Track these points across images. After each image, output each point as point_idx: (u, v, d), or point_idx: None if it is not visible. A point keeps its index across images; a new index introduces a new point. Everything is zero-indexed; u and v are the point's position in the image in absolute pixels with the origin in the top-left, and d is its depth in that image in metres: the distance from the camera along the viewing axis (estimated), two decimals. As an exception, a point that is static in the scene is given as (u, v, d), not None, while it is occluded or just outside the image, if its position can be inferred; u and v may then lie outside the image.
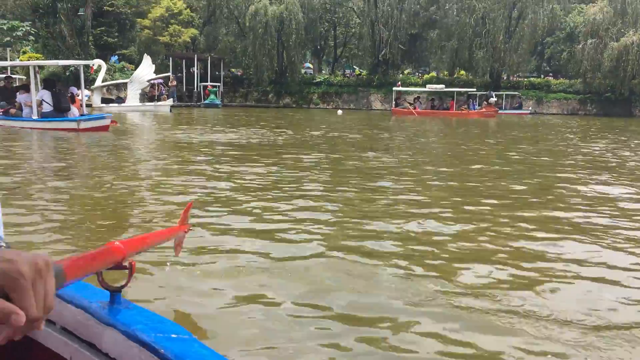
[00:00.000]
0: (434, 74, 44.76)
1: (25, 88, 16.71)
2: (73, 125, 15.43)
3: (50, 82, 16.49)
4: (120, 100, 31.82)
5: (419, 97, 37.75)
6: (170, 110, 29.42)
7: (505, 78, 41.47)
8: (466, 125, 24.54)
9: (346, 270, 3.87)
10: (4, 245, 0.80)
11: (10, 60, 32.15)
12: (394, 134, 18.55)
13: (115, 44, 38.49)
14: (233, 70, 45.34)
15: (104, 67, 27.72)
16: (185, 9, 39.95)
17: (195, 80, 39.19)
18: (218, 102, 37.10)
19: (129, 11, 39.84)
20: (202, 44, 42.45)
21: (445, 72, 44.08)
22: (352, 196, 6.69)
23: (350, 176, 8.36)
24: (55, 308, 1.00)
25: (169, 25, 38.95)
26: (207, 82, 38.94)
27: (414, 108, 34.98)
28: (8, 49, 31.98)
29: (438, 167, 9.80)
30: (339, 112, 33.48)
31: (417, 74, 47.79)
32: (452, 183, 8.01)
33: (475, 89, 37.28)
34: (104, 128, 16.02)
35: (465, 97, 38.23)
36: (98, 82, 28.33)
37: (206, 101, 36.90)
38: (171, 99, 32.92)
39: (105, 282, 1.15)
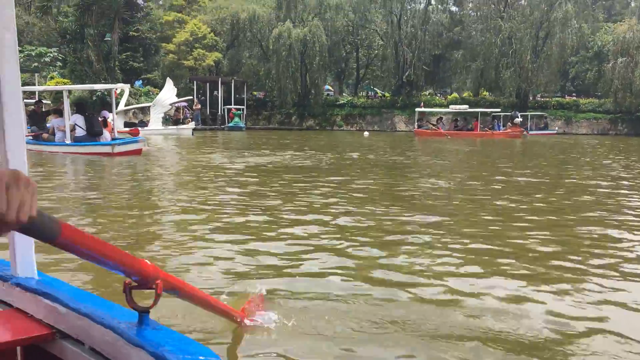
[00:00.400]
0: (455, 95, 44.29)
1: (58, 112, 16.58)
2: (107, 149, 15.21)
3: (83, 106, 16.35)
4: (143, 124, 31.76)
5: (441, 118, 37.32)
6: (193, 134, 29.25)
7: (532, 98, 40.86)
8: (500, 147, 23.97)
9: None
10: None
11: (38, 85, 32.43)
12: (436, 156, 18.04)
13: (140, 68, 38.75)
14: (255, 93, 45.38)
15: (127, 91, 27.64)
16: (210, 33, 40.15)
17: (219, 104, 39.21)
18: (242, 124, 37.00)
19: (154, 36, 40.15)
20: (225, 67, 42.57)
21: (468, 93, 43.64)
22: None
23: (423, 204, 7.89)
24: (84, 328, 1.22)
25: (194, 50, 39.11)
26: (230, 105, 38.94)
27: (437, 129, 34.54)
28: (36, 74, 32.21)
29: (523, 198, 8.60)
30: (366, 133, 33.15)
31: (440, 94, 47.36)
32: (554, 225, 6.36)
33: (499, 109, 36.75)
34: (137, 151, 15.79)
35: (490, 117, 37.73)
36: (121, 106, 28.25)
37: (230, 124, 36.81)
38: (193, 122, 32.84)
39: (134, 302, 1.15)
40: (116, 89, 28.88)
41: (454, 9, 45.75)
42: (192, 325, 3.15)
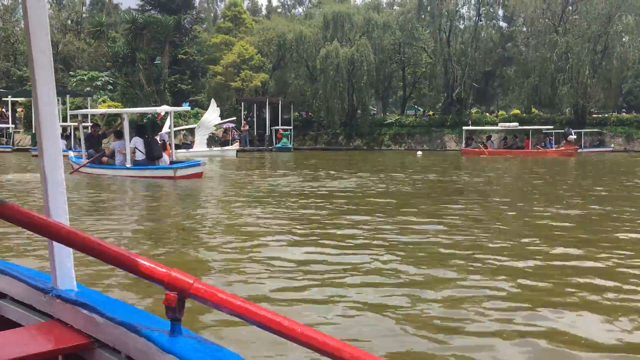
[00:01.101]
0: (503, 112, 42.98)
1: (118, 135, 16.32)
2: (169, 173, 14.81)
3: (143, 129, 16.05)
4: (188, 145, 31.63)
5: (490, 137, 36.24)
6: (237, 155, 28.82)
7: (589, 115, 39.27)
8: (554, 165, 22.73)
9: None
10: None
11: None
12: (517, 177, 17.07)
13: (188, 90, 38.88)
14: (296, 114, 44.85)
15: (172, 113, 27.44)
16: (256, 54, 40.11)
17: (267, 124, 38.98)
18: (290, 145, 36.62)
19: (202, 59, 40.34)
20: (272, 88, 42.42)
21: (521, 110, 42.30)
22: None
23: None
24: (120, 337, 1.31)
25: (241, 71, 39.08)
26: (277, 125, 38.67)
27: (486, 147, 33.46)
28: (89, 98, 32.60)
29: None
30: (419, 153, 32.23)
31: (491, 112, 46.09)
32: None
33: (552, 127, 35.37)
34: (198, 175, 15.36)
35: (542, 135, 36.43)
36: (165, 129, 28.16)
37: (278, 145, 36.47)
38: (237, 143, 32.63)
39: (168, 311, 1.16)
40: (161, 112, 29.05)
41: (503, 24, 44.77)
42: (224, 334, 3.21)
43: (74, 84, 36.86)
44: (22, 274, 1.77)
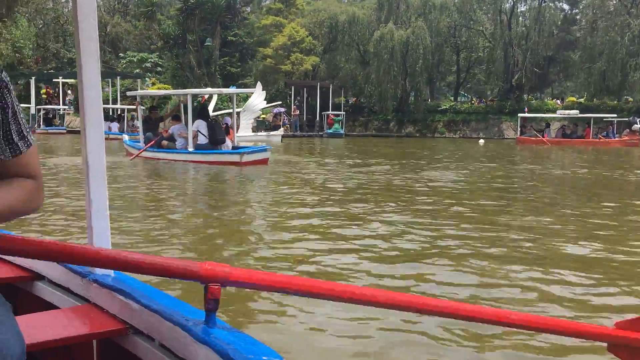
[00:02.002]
0: (573, 98, 40.49)
1: (176, 118, 15.41)
2: (235, 158, 13.80)
3: (205, 111, 15.06)
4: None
5: (549, 125, 34.17)
6: (281, 140, 27.64)
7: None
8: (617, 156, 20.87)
9: None
10: None
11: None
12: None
13: (238, 73, 37.91)
14: (342, 99, 43.20)
15: (215, 96, 26.41)
16: (307, 36, 38.83)
17: (317, 109, 37.76)
18: (342, 131, 35.37)
19: (251, 41, 39.29)
20: (322, 72, 41.11)
21: (585, 97, 39.91)
22: None
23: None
24: (155, 324, 1.32)
25: (291, 54, 37.89)
26: (327, 111, 37.43)
27: (543, 136, 31.51)
28: (139, 80, 31.94)
29: None
30: (481, 142, 30.68)
31: (555, 98, 43.63)
32: None
33: (615, 115, 33.03)
34: (264, 161, 14.33)
35: (605, 124, 34.18)
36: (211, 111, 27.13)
37: (330, 130, 35.27)
38: (282, 129, 31.53)
39: (204, 301, 1.16)
40: (204, 95, 28.01)
41: (565, 6, 42.34)
42: (258, 326, 3.23)
43: (124, 65, 36.34)
44: None
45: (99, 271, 1.60)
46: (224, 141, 14.66)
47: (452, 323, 3.18)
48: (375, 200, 8.42)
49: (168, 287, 3.52)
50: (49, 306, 1.73)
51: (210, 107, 27.90)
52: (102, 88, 35.45)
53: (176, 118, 15.31)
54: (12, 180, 1.10)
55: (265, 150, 14.35)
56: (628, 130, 33.10)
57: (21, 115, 1.14)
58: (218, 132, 14.52)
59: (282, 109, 35.16)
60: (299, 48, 38.33)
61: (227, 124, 15.54)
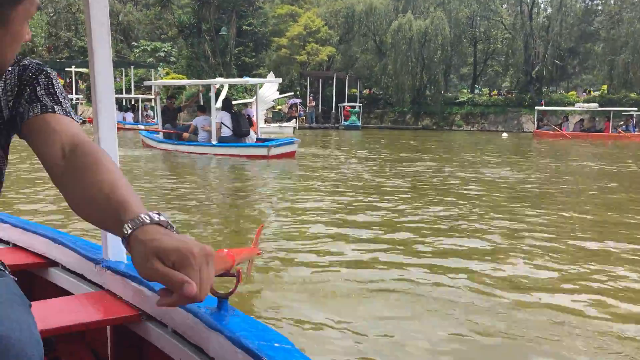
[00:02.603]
0: (596, 92, 39.46)
1: (202, 109, 14.80)
2: (262, 151, 13.20)
3: (229, 103, 14.45)
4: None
5: (567, 118, 33.29)
6: (294, 132, 26.92)
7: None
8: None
9: None
10: (175, 229, 0.84)
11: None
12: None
13: (252, 63, 37.19)
14: (355, 90, 42.27)
15: (226, 86, 25.49)
16: (323, 26, 38.04)
17: (333, 101, 37.00)
18: (359, 123, 34.64)
19: (266, 30, 38.52)
20: (338, 63, 40.32)
21: (604, 90, 38.90)
22: None
23: None
24: (167, 311, 1.32)
25: (307, 44, 37.14)
26: (343, 102, 36.67)
27: (561, 130, 30.63)
28: (152, 69, 31.30)
29: None
30: (504, 135, 29.92)
31: (580, 91, 42.59)
32: None
33: (636, 109, 32.05)
34: (291, 154, 13.74)
35: (626, 118, 33.23)
36: (219, 103, 26.45)
37: (347, 122, 34.55)
38: (293, 120, 30.80)
39: (213, 288, 1.16)
40: (215, 85, 27.29)
41: (587, -3, 41.30)
42: (270, 314, 3.25)
43: (137, 54, 35.69)
44: (74, 243, 1.77)
45: (112, 258, 1.61)
46: (248, 133, 14.07)
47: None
48: (476, 207, 7.44)
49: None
50: (63, 292, 1.73)
51: (220, 98, 27.25)
52: (115, 78, 34.84)
53: (202, 109, 14.70)
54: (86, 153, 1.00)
55: (292, 142, 13.75)
56: None
57: (64, 96, 1.14)
58: (243, 124, 13.92)
59: (298, 100, 34.46)
60: (315, 38, 37.57)
61: (249, 115, 14.89)
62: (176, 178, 10.30)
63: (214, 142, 13.80)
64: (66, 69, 34.19)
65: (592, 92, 38.61)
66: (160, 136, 15.44)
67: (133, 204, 0.87)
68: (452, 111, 39.87)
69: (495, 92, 45.93)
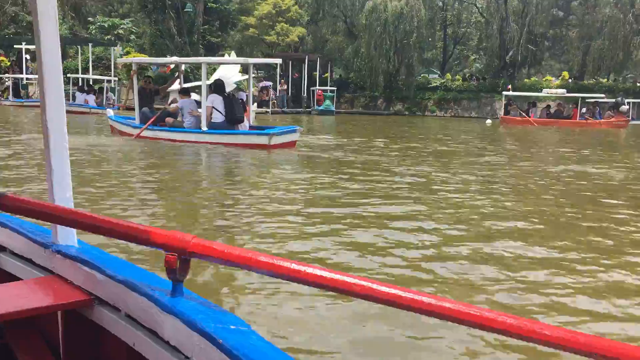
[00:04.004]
0: (566, 74, 38.99)
1: (186, 92, 13.03)
2: (262, 140, 11.60)
3: (222, 86, 12.72)
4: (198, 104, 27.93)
5: (534, 104, 32.84)
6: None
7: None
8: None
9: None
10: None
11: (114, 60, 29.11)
12: None
13: (218, 43, 35.02)
14: (326, 75, 40.62)
15: (183, 67, 23.22)
16: (294, 5, 36.20)
17: (303, 84, 35.28)
18: (333, 108, 33.13)
19: (233, 8, 36.36)
20: (308, 44, 38.58)
21: (566, 76, 38.58)
22: None
23: None
24: (120, 295, 1.28)
25: (276, 24, 35.25)
26: (312, 86, 35.04)
27: (530, 116, 30.15)
28: (113, 48, 28.82)
29: None
30: (488, 121, 29.10)
31: (553, 77, 42.19)
32: None
33: (603, 95, 31.92)
34: (292, 144, 12.20)
35: (592, 104, 33.03)
36: (175, 85, 24.37)
37: (320, 107, 33.00)
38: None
39: (169, 271, 1.15)
40: (169, 64, 25.10)
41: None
42: (226, 296, 3.26)
43: (93, 32, 32.99)
44: (22, 227, 1.72)
45: (62, 242, 1.57)
46: (242, 119, 12.44)
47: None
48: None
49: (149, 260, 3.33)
50: (11, 278, 1.68)
51: (177, 80, 25.13)
52: (71, 56, 32.02)
53: (185, 92, 12.93)
54: None
55: (295, 131, 12.20)
56: (610, 112, 31.91)
57: None
58: (237, 109, 12.27)
59: (269, 83, 32.66)
60: (285, 18, 35.71)
61: (242, 99, 13.21)
62: (161, 171, 8.65)
63: (204, 128, 12.10)
64: (15, 46, 31.30)
65: (560, 79, 38.11)
66: (136, 121, 13.59)
67: None
68: (424, 96, 38.86)
69: (459, 77, 45.13)
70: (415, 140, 16.25)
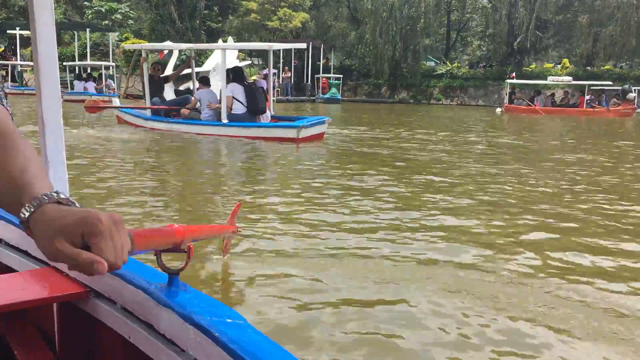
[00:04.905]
0: (566, 61, 38.11)
1: (205, 81, 12.05)
2: (291, 133, 10.67)
3: (241, 74, 11.77)
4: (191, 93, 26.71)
5: (540, 92, 32.02)
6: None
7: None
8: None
9: None
10: (77, 205, 0.83)
11: (112, 45, 27.97)
12: None
13: (219, 29, 33.84)
14: (323, 62, 39.64)
15: (176, 52, 21.83)
16: (296, -11, 35.08)
17: (306, 72, 34.26)
18: (339, 96, 32.16)
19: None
20: (311, 30, 37.47)
21: (566, 63, 37.70)
22: None
23: None
24: (116, 287, 1.28)
25: (279, 9, 34.12)
26: (317, 73, 34.03)
27: (535, 104, 29.30)
28: (110, 34, 27.62)
29: None
30: (498, 110, 28.28)
31: (554, 64, 41.37)
32: None
33: (610, 83, 31.04)
34: (320, 136, 11.32)
35: (598, 93, 32.23)
36: (168, 71, 22.95)
37: (326, 95, 32.02)
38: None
39: (164, 264, 1.15)
40: (163, 50, 23.73)
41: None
42: (222, 289, 3.28)
43: (90, 16, 31.74)
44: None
45: None
46: (264, 110, 11.51)
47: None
48: None
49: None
50: (6, 269, 1.67)
51: (170, 66, 23.84)
52: (66, 42, 30.78)
53: (204, 81, 11.95)
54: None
55: (323, 122, 11.29)
56: (616, 100, 31.10)
57: None
58: (259, 99, 11.34)
59: (273, 71, 31.61)
60: (288, 3, 34.57)
61: (262, 87, 12.24)
62: (180, 169, 7.75)
63: (225, 120, 11.16)
64: (8, 31, 30.03)
65: (566, 64, 37.21)
66: (147, 112, 12.64)
67: (37, 186, 0.83)
68: (429, 84, 37.94)
69: (465, 64, 44.21)
70: (449, 131, 15.35)
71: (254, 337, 1.02)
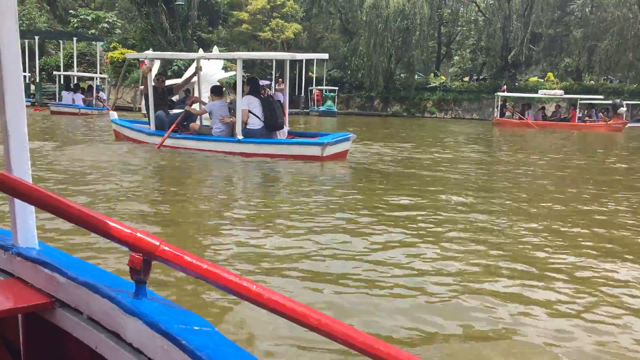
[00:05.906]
0: (550, 75, 37.93)
1: (218, 92, 11.07)
2: (315, 151, 9.78)
3: (257, 84, 10.87)
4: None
5: (530, 105, 31.68)
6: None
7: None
8: None
9: None
10: None
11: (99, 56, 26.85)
12: None
13: (210, 39, 32.89)
14: (311, 74, 38.93)
15: (157, 63, 20.58)
16: (289, 0, 34.31)
17: (298, 83, 33.43)
18: (335, 109, 31.37)
19: (225, 2, 34.25)
20: (304, 41, 36.72)
21: (551, 77, 37.51)
22: None
23: None
24: (82, 297, 1.26)
25: (271, 20, 33.33)
26: (311, 85, 33.23)
27: (527, 118, 28.91)
28: (99, 43, 26.50)
29: None
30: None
31: (546, 78, 41.18)
32: None
33: (602, 97, 30.86)
34: (344, 154, 10.45)
35: (589, 106, 31.97)
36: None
37: (321, 108, 31.20)
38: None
39: (132, 273, 1.14)
40: (144, 59, 22.72)
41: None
42: (189, 297, 3.19)
43: (76, 24, 30.54)
44: None
45: (22, 244, 1.55)
46: (282, 125, 10.61)
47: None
48: None
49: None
50: None
51: (153, 74, 22.68)
52: (51, 52, 29.49)
53: (217, 92, 10.98)
54: None
55: (348, 139, 10.41)
56: (601, 114, 30.85)
57: None
58: (278, 114, 10.44)
59: (266, 82, 30.75)
60: (280, 13, 33.80)
61: (279, 101, 11.35)
62: (192, 190, 6.81)
63: (239, 136, 10.22)
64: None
65: (551, 77, 36.98)
66: (151, 127, 11.65)
67: None
68: (423, 97, 37.40)
69: (457, 78, 43.83)
70: (464, 147, 14.59)
71: (221, 344, 1.00)
